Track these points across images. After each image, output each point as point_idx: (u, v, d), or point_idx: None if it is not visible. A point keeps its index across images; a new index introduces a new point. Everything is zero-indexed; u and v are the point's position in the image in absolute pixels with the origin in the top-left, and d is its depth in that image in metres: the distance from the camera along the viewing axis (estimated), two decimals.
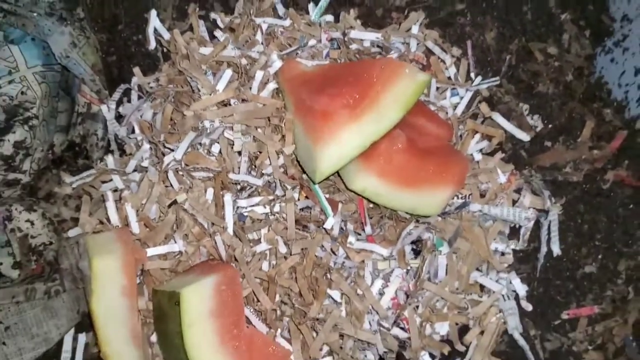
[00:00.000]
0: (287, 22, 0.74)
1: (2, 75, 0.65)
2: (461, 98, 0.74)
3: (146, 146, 0.70)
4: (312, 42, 0.73)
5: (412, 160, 0.64)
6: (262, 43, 0.73)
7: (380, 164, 0.63)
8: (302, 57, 0.73)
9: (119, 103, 0.75)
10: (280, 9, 0.77)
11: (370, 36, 0.74)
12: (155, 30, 0.77)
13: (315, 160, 0.62)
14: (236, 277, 0.61)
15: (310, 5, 0.77)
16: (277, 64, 0.70)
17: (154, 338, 0.67)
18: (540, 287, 0.70)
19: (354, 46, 0.74)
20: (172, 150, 0.68)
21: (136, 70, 0.76)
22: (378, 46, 0.75)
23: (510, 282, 0.68)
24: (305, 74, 0.69)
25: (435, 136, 0.70)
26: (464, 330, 0.67)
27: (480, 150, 0.72)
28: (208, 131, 0.67)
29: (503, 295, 0.67)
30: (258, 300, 0.63)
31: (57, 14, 0.69)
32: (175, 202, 0.66)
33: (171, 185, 0.67)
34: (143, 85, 0.74)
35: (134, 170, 0.71)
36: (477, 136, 0.72)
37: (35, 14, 0.67)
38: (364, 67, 0.65)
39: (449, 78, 0.75)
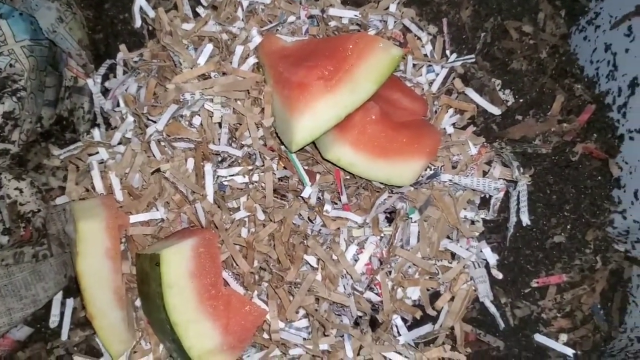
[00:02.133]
0: (268, 0, 0.76)
1: None
2: (437, 75, 0.76)
3: (130, 119, 0.72)
4: (291, 18, 0.75)
5: (386, 132, 0.66)
6: (242, 19, 0.75)
7: (354, 135, 0.66)
8: (282, 33, 0.75)
9: (105, 78, 0.78)
10: None
11: (348, 14, 0.76)
12: (141, 8, 0.79)
13: (291, 131, 0.64)
14: (214, 240, 0.63)
15: None
16: (257, 39, 0.72)
17: (138, 303, 0.70)
18: (511, 256, 0.72)
19: (332, 23, 0.76)
20: (155, 123, 0.71)
21: (122, 47, 0.78)
22: (357, 24, 0.77)
23: (481, 251, 0.70)
24: (285, 49, 0.71)
25: (410, 111, 0.72)
26: (435, 296, 0.70)
27: (453, 124, 0.74)
28: (189, 103, 0.70)
29: (473, 263, 0.69)
30: (237, 264, 0.66)
31: None
32: (158, 170, 0.68)
33: (153, 155, 0.70)
34: (128, 61, 0.76)
35: (119, 143, 0.74)
36: (451, 111, 0.75)
37: None
38: (339, 41, 0.67)
39: (425, 55, 0.77)
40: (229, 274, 0.66)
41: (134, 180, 0.69)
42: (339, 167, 0.68)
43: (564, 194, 0.72)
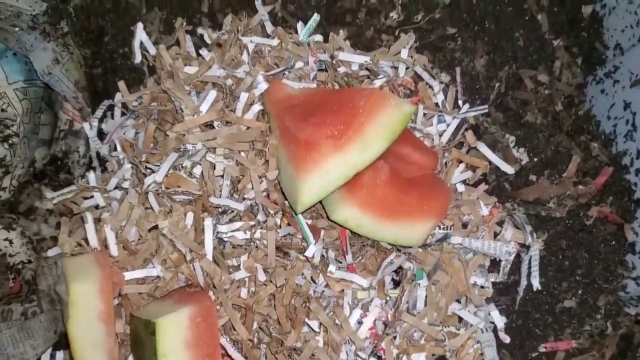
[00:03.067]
0: (275, 42, 0.73)
1: None
2: (447, 125, 0.73)
3: (127, 166, 0.69)
4: (299, 64, 0.72)
5: (395, 193, 0.63)
6: (248, 63, 0.72)
7: (362, 196, 0.63)
8: (289, 78, 0.72)
9: (102, 118, 0.74)
10: (269, 27, 0.75)
11: (358, 59, 0.73)
12: (142, 44, 0.76)
13: (297, 190, 0.61)
14: (212, 309, 0.60)
15: (299, 25, 0.75)
16: (263, 85, 0.69)
17: (131, 358, 0.67)
18: (519, 320, 0.70)
19: (341, 69, 0.73)
20: (153, 171, 0.67)
21: (121, 84, 0.75)
22: (367, 69, 0.74)
23: (489, 314, 0.68)
24: (291, 98, 0.68)
25: (420, 165, 0.69)
26: None
27: (464, 181, 0.71)
28: (190, 153, 0.67)
29: (481, 328, 0.67)
30: (235, 330, 0.63)
31: (40, 28, 0.68)
32: (155, 227, 0.65)
33: (151, 207, 0.67)
34: (127, 103, 0.73)
35: (115, 188, 0.71)
36: (462, 166, 0.72)
37: (17, 29, 0.66)
38: (349, 96, 0.64)
39: (437, 104, 0.74)
40: (226, 339, 0.63)
41: (129, 234, 0.66)
42: (346, 227, 0.65)
43: (577, 258, 0.69)
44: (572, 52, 0.79)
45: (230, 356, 0.63)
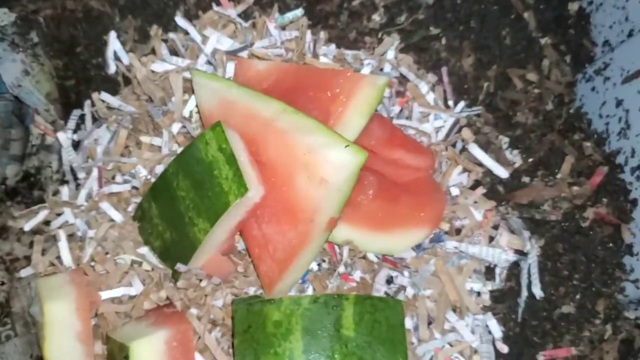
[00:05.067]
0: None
1: None
2: (444, 122, 0.70)
3: (95, 173, 0.66)
4: (263, 42, 0.70)
5: (385, 205, 0.61)
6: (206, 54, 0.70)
7: (349, 212, 0.60)
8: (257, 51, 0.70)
9: (76, 130, 0.71)
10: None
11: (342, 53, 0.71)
12: (115, 53, 0.73)
13: None
14: (189, 332, 0.57)
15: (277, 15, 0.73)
16: (231, 66, 0.67)
17: None
18: (517, 328, 0.67)
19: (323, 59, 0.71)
20: (127, 182, 0.65)
21: (94, 95, 0.72)
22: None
23: (486, 325, 0.65)
24: (261, 77, 0.66)
25: (414, 168, 0.66)
26: None
27: (460, 184, 0.69)
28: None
29: (480, 337, 0.64)
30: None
31: (8, 39, 0.65)
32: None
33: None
34: (99, 110, 0.70)
35: (86, 201, 0.68)
36: (458, 168, 0.69)
37: None
38: (323, 79, 0.62)
39: (428, 103, 0.72)
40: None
41: (105, 251, 0.63)
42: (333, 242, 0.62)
43: (574, 262, 0.67)
44: (560, 50, 0.77)
45: None
